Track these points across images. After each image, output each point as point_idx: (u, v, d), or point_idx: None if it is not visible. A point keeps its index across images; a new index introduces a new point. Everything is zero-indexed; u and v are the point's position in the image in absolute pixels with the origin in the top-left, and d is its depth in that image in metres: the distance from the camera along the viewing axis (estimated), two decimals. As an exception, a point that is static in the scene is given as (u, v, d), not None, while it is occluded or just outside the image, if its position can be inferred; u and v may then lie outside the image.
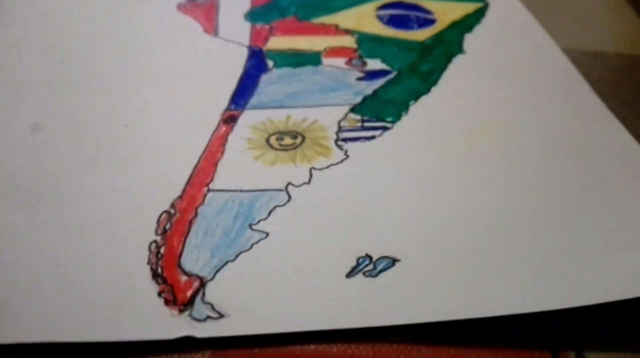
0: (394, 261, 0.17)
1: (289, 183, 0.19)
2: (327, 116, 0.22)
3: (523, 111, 0.22)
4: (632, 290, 0.16)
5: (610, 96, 0.23)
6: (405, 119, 0.22)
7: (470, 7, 0.29)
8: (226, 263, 0.17)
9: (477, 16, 0.28)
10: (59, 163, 0.20)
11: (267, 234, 0.17)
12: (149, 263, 0.17)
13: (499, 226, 0.18)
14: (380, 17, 0.28)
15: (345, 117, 0.22)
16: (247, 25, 0.27)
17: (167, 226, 0.18)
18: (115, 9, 0.28)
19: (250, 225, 0.18)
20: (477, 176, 0.20)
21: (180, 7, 0.28)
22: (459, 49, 0.26)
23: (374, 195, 0.19)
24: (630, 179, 0.20)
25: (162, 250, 0.17)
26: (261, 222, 0.18)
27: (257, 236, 0.17)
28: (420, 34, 0.27)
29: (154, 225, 0.18)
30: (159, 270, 0.16)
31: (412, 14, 0.28)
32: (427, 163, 0.20)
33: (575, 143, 0.21)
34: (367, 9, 0.28)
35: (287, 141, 0.21)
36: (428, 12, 0.28)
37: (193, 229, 0.18)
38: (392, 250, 0.17)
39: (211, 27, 0.27)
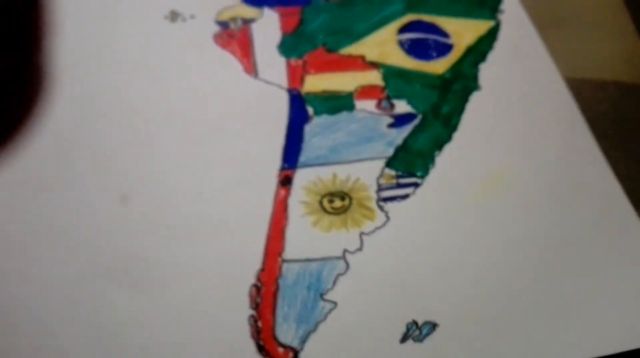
0: (434, 325, 0.22)
1: (345, 250, 0.24)
2: (367, 172, 0.26)
3: (528, 159, 0.27)
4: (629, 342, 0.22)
5: (607, 134, 0.27)
6: (433, 172, 0.26)
7: (483, 27, 0.31)
8: (309, 333, 0.22)
9: (490, 40, 0.30)
10: (150, 237, 0.24)
11: (336, 304, 0.22)
12: (252, 337, 0.21)
13: (522, 284, 0.23)
14: (401, 44, 0.30)
15: (382, 174, 0.26)
16: (282, 61, 0.29)
17: (258, 300, 0.22)
18: (148, 44, 0.29)
19: (321, 295, 0.23)
20: (494, 232, 0.25)
21: (217, 39, 0.29)
22: (475, 84, 0.29)
23: (414, 258, 0.24)
24: (617, 234, 0.25)
25: (259, 324, 0.22)
26: (329, 291, 0.23)
27: (328, 306, 0.22)
28: (439, 66, 0.29)
29: (246, 298, 0.22)
30: (262, 343, 0.21)
31: (431, 37, 0.30)
32: (453, 221, 0.25)
33: (570, 195, 0.26)
34: (388, 32, 0.30)
35: (337, 203, 0.25)
36: (445, 34, 0.30)
37: (278, 301, 0.22)
38: (432, 314, 0.22)
39: (250, 65, 0.29)
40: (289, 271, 0.23)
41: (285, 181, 0.26)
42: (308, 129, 0.27)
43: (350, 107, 0.28)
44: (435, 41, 0.30)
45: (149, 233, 0.24)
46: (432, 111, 0.28)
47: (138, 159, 0.25)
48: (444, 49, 0.30)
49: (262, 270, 0.23)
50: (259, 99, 0.28)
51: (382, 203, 0.25)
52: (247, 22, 0.30)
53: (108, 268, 0.23)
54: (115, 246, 0.23)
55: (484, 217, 0.25)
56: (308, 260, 0.23)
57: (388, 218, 0.25)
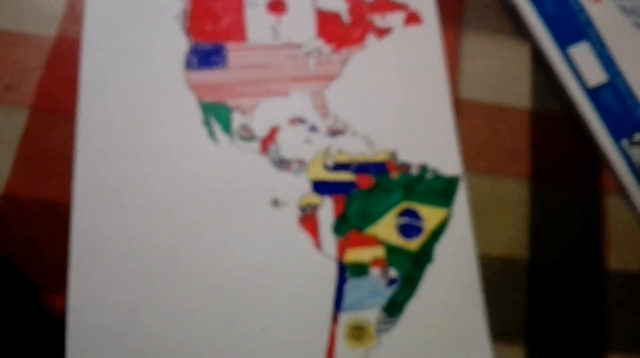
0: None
1: None
2: (372, 315, 0.49)
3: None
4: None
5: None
6: (401, 320, 0.45)
7: (441, 215, 0.44)
8: None
9: (444, 224, 0.44)
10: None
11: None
12: None
13: None
14: (398, 226, 0.51)
15: (380, 315, 0.50)
16: (334, 240, 0.49)
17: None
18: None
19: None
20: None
21: (300, 221, 0.43)
22: (430, 258, 0.46)
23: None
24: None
25: None
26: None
27: None
28: (415, 244, 0.50)
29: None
30: None
31: (413, 222, 0.52)
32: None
33: None
34: (391, 217, 0.50)
35: (357, 333, 0.49)
36: (420, 219, 0.51)
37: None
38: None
39: (317, 242, 0.48)
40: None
41: (335, 319, 0.48)
42: (346, 287, 0.49)
43: (367, 272, 0.50)
44: (415, 225, 0.51)
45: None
46: (407, 277, 0.51)
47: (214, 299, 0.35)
48: (418, 231, 0.51)
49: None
50: (320, 266, 0.44)
51: (378, 331, 0.49)
52: (314, 208, 0.43)
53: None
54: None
55: None
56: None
57: (381, 341, 0.49)
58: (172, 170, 0.38)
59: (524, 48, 0.43)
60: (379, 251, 0.41)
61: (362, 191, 0.41)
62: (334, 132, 0.42)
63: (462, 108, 0.42)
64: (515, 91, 0.43)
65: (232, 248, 0.37)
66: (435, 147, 0.42)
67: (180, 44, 0.41)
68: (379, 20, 0.43)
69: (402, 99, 0.43)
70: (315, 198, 0.42)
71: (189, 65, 0.42)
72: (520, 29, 0.42)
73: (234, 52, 0.43)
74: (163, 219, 0.37)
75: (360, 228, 0.42)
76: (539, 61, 0.42)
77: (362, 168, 0.42)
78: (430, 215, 0.41)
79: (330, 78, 0.43)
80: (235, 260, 0.37)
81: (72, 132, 0.36)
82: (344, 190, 0.42)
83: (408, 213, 0.42)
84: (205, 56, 0.42)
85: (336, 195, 0.42)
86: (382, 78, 0.43)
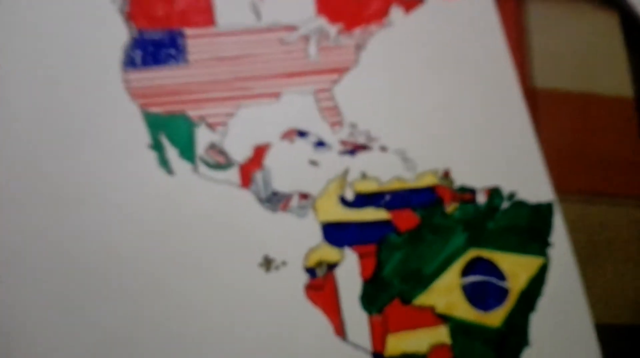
0: None
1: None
2: None
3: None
4: None
5: None
6: None
7: (533, 266, 0.33)
8: None
9: (539, 282, 0.32)
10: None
11: None
12: None
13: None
14: (465, 290, 0.32)
15: None
16: (365, 318, 0.31)
17: None
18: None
19: None
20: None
21: (307, 292, 0.30)
22: (526, 340, 0.31)
23: None
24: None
25: None
26: None
27: None
28: (496, 317, 0.32)
29: None
30: None
31: (490, 280, 0.33)
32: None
33: None
34: (453, 275, 0.32)
35: None
36: (501, 276, 0.33)
37: None
38: None
39: (339, 326, 0.30)
40: None
41: None
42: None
43: (424, 365, 0.32)
44: (493, 286, 0.33)
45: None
46: (490, 372, 0.32)
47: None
48: (501, 296, 0.33)
49: None
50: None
51: None
52: (331, 267, 0.31)
53: None
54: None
55: None
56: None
57: None
58: (99, 222, 0.29)
59: (611, 18, 0.36)
60: (440, 334, 0.31)
61: (403, 236, 0.31)
62: (353, 149, 0.32)
63: (538, 102, 0.35)
64: (609, 74, 0.36)
65: (199, 343, 0.28)
66: (508, 160, 0.33)
67: (117, 34, 0.32)
68: (405, -14, 0.33)
69: (449, 94, 0.34)
70: (330, 252, 0.31)
71: (129, 62, 0.32)
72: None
73: (196, 41, 0.33)
74: (81, 309, 0.28)
75: (406, 297, 0.31)
76: (634, 33, 0.35)
77: (399, 199, 0.32)
78: (515, 268, 0.32)
79: (340, 70, 0.33)
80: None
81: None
82: (375, 236, 0.31)
83: (480, 266, 0.32)
84: (154, 48, 0.33)
85: (363, 245, 0.31)
86: (416, 67, 0.34)
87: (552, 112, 0.35)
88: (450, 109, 0.34)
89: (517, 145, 0.34)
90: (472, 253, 0.32)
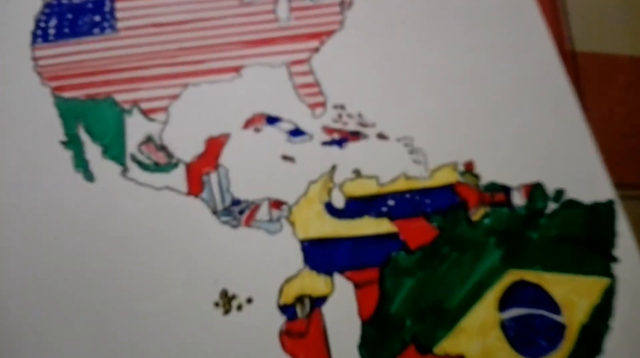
0: None
1: None
2: None
3: None
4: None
5: None
6: None
7: (597, 287, 0.26)
8: None
9: (606, 312, 0.25)
10: None
11: None
12: None
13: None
14: (505, 329, 0.25)
15: None
16: None
17: None
18: None
19: None
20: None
21: (284, 341, 0.23)
22: None
23: None
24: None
25: None
26: None
27: None
28: None
29: None
30: None
31: (538, 313, 0.25)
32: None
33: None
34: (488, 309, 0.25)
35: None
36: (554, 306, 0.25)
37: None
38: None
39: None
40: None
41: None
42: None
43: None
44: (544, 320, 0.25)
45: None
46: None
47: None
48: (555, 334, 0.25)
49: None
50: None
51: None
52: (316, 303, 0.25)
53: None
54: None
55: None
56: None
57: None
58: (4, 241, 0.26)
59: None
60: (475, 395, 0.25)
61: (416, 256, 0.26)
62: (342, 138, 0.28)
63: (579, 68, 0.31)
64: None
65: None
66: (550, 146, 0.28)
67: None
68: None
69: (468, 62, 0.29)
70: (314, 282, 0.25)
71: (41, 35, 0.29)
72: None
73: (127, 4, 0.29)
74: None
75: (424, 343, 0.24)
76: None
77: (407, 204, 0.27)
78: (572, 294, 0.26)
79: (321, 36, 0.30)
80: None
81: None
82: (376, 257, 0.26)
83: (523, 294, 0.26)
84: (73, 15, 0.29)
85: (359, 270, 0.25)
86: (421, 27, 0.30)
87: (597, 82, 0.31)
88: (470, 82, 0.29)
89: (560, 126, 0.29)
90: (511, 276, 0.26)
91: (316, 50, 0.29)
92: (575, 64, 0.31)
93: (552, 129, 0.28)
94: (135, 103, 0.27)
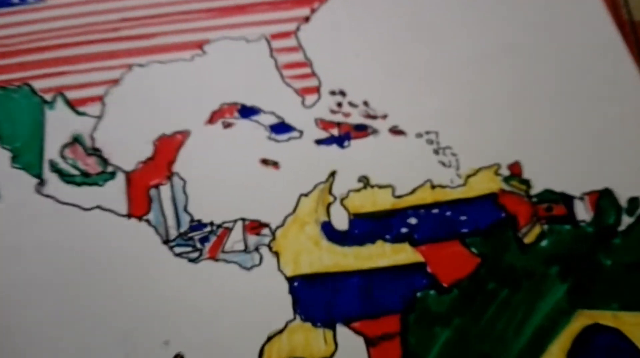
0: None
1: None
2: None
3: None
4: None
5: None
6: None
7: None
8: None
9: None
10: None
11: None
12: None
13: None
14: None
15: None
16: None
17: None
18: None
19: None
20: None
21: None
22: None
23: None
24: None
25: None
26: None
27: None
28: None
29: None
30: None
31: None
32: None
33: None
34: None
35: None
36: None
37: None
38: None
39: None
40: None
41: None
42: None
43: None
44: None
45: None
46: None
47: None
48: None
49: None
50: None
51: None
52: None
53: None
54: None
55: None
56: None
57: None
58: None
59: None
60: None
61: (451, 295, 0.22)
62: (342, 134, 0.25)
63: None
64: None
65: None
66: (619, 143, 0.25)
67: None
68: None
69: (506, 37, 0.27)
70: (309, 338, 0.21)
71: None
72: None
73: None
74: None
75: None
76: None
77: (435, 222, 0.23)
78: None
79: (311, 2, 0.27)
80: None
81: None
82: (395, 298, 0.22)
83: (599, 342, 0.22)
84: None
85: (373, 318, 0.22)
86: None
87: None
88: (512, 60, 0.26)
89: (625, 117, 0.25)
90: (582, 320, 0.22)
91: (306, 19, 0.26)
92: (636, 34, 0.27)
93: (618, 122, 0.25)
94: (59, 92, 0.24)
